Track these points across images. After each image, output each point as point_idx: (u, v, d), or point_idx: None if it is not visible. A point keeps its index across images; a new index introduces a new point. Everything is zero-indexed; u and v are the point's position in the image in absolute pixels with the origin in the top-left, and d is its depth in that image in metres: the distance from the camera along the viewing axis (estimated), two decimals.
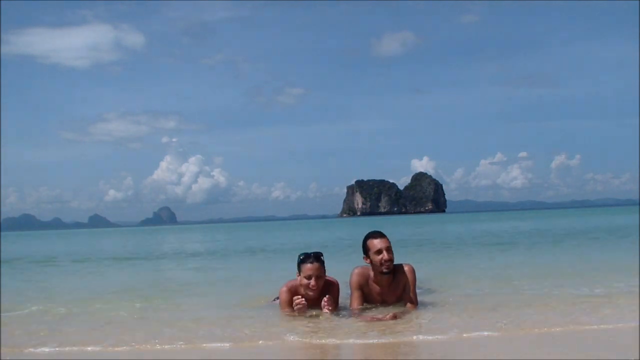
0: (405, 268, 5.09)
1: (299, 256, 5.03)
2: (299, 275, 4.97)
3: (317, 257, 4.96)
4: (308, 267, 4.90)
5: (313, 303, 4.99)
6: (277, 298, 5.32)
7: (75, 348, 4.10)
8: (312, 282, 4.88)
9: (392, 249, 5.03)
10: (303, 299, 4.90)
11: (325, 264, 5.02)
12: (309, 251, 5.08)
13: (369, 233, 5.05)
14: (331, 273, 5.18)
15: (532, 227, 26.98)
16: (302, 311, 4.87)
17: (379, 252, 4.91)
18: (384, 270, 4.94)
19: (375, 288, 5.08)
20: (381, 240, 4.93)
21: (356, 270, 5.12)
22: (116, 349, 4.06)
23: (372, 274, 5.03)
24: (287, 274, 5.46)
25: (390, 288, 5.07)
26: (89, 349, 4.08)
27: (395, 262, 5.05)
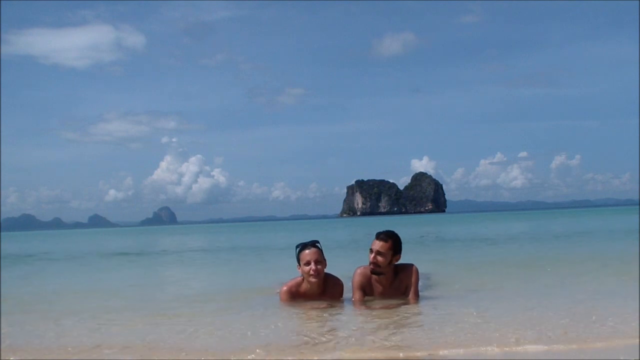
0: (408, 268, 5.11)
1: (296, 247, 5.04)
2: (299, 266, 4.99)
3: (314, 244, 4.99)
4: (306, 253, 4.92)
5: (315, 298, 5.03)
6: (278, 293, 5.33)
7: (75, 347, 4.10)
8: (312, 266, 4.89)
9: (399, 253, 5.03)
10: None
11: (324, 254, 5.02)
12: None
13: (379, 231, 5.07)
14: (332, 272, 5.20)
15: (528, 228, 26.96)
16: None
17: (371, 251, 4.96)
18: (370, 270, 4.99)
19: (377, 287, 5.09)
20: (377, 243, 4.95)
21: (358, 271, 5.14)
22: (117, 348, 4.07)
23: None
24: (288, 268, 5.46)
25: (392, 287, 5.09)
26: (90, 348, 4.09)
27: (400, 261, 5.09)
